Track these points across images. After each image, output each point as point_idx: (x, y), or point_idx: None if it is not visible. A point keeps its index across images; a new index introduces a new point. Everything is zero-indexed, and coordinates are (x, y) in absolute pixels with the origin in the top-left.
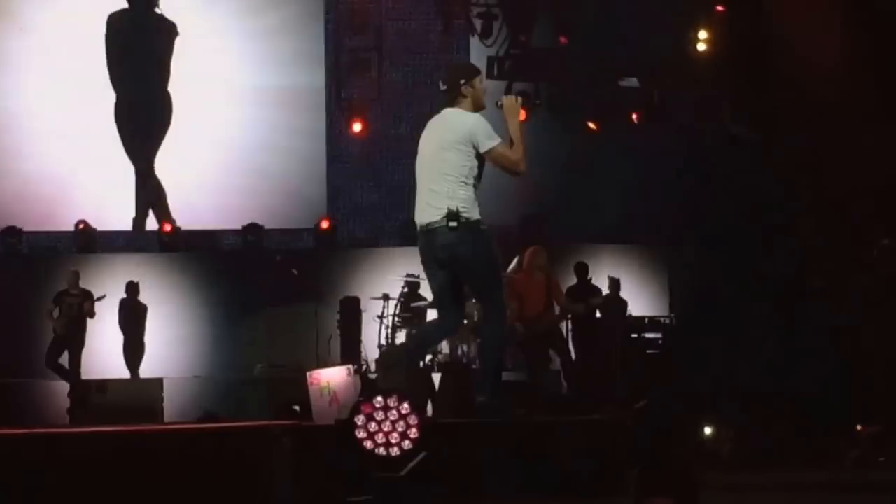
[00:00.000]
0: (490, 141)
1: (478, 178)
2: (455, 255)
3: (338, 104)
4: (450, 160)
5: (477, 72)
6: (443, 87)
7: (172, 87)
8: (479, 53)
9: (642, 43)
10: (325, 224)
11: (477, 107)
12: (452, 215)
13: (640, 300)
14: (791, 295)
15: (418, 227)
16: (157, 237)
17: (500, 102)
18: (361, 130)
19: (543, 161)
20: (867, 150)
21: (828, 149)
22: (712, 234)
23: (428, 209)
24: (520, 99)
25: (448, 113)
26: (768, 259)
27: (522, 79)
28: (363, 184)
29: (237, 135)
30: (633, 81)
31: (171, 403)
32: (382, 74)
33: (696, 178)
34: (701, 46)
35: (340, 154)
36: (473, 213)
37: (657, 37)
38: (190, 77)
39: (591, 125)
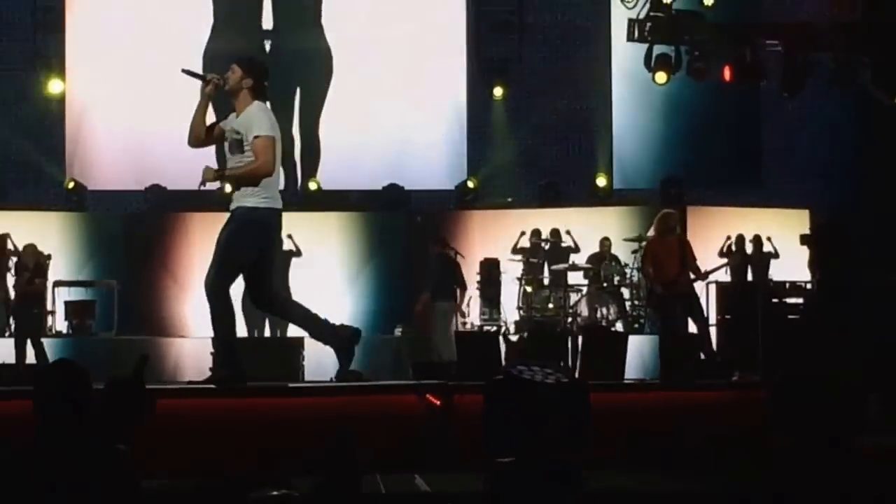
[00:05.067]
0: None
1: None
2: None
3: (479, 67)
4: None
5: None
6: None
7: None
8: (620, 15)
9: (783, 6)
10: (469, 185)
11: None
12: None
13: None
14: None
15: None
16: (302, 194)
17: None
18: (503, 94)
19: (682, 125)
20: None
21: None
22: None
23: None
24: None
25: None
26: None
27: (662, 42)
28: (503, 146)
29: (378, 96)
30: (773, 45)
31: (311, 363)
32: (524, 38)
33: (836, 141)
34: (840, 9)
35: (481, 117)
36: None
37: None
38: (334, 37)
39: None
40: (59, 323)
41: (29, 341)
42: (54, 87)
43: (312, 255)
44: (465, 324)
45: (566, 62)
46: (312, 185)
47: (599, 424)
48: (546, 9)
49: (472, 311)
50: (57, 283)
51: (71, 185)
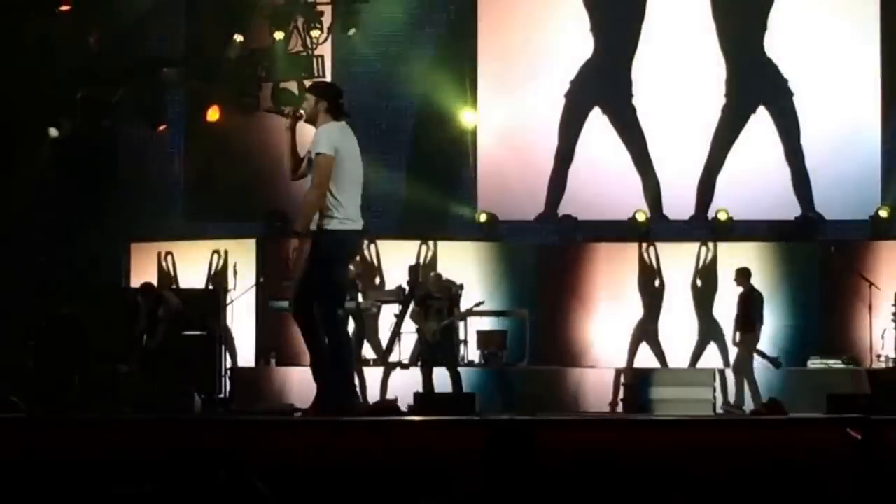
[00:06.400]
0: None
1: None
2: None
3: (894, 94)
4: None
5: None
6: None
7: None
8: None
9: None
10: (881, 214)
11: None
12: None
13: None
14: None
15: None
16: (712, 224)
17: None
18: None
19: None
20: None
21: None
22: None
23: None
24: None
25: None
26: None
27: None
28: None
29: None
30: None
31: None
32: None
33: None
34: None
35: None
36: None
37: None
38: None
39: None
40: (472, 352)
41: (448, 371)
42: (468, 118)
43: (722, 284)
44: (879, 357)
45: None
46: (722, 216)
47: None
48: None
49: (887, 344)
50: (469, 313)
51: (483, 217)
